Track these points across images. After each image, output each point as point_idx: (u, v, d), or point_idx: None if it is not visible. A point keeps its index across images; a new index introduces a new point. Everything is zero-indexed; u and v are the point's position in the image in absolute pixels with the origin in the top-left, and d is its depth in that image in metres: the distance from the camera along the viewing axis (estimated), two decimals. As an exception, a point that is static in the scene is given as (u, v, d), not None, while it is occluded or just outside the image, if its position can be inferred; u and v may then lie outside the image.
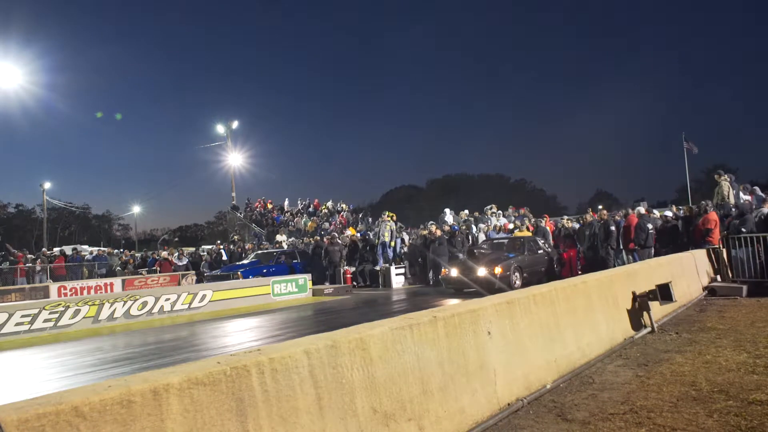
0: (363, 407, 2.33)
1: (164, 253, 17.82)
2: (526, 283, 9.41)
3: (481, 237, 13.89)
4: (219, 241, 22.15)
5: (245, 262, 15.87)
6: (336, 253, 15.18)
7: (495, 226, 14.15)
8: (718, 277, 8.60)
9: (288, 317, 9.45)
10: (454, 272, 10.60)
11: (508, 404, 3.19)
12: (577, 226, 12.58)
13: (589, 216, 12.21)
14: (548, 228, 13.09)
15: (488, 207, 15.86)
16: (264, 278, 12.61)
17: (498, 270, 9.96)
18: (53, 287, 13.60)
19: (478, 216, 15.78)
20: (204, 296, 10.75)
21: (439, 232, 13.40)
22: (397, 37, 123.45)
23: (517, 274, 10.26)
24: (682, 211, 11.48)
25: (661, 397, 3.31)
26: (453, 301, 5.86)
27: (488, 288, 9.41)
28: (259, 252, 17.10)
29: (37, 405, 1.46)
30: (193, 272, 16.20)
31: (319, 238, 17.01)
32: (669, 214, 11.36)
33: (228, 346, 6.84)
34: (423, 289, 12.85)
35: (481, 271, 10.08)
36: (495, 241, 12.26)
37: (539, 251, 11.51)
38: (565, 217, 14.87)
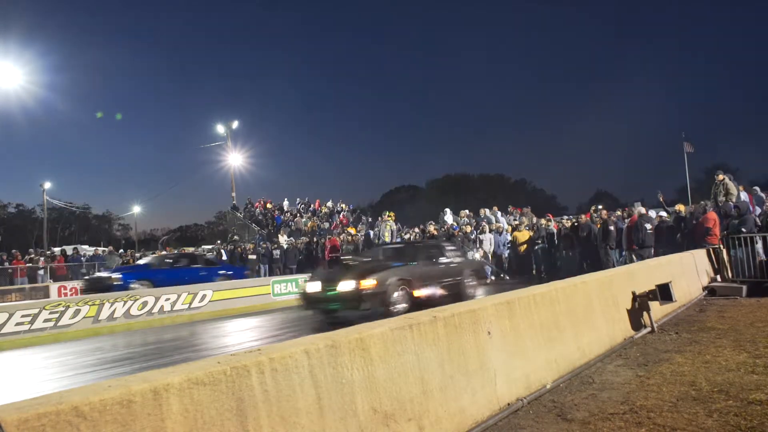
0: (363, 407, 2.33)
1: (164, 253, 17.80)
2: (422, 304, 6.68)
3: (483, 237, 13.80)
4: (219, 241, 22.15)
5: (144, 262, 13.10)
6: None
7: (498, 227, 14.08)
8: (718, 277, 8.60)
9: (288, 317, 9.45)
10: (313, 286, 7.48)
11: (508, 404, 3.19)
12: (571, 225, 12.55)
13: (583, 218, 12.18)
14: (552, 228, 13.05)
15: (483, 210, 15.81)
16: (264, 278, 12.58)
17: (368, 283, 6.91)
18: (53, 287, 13.62)
19: (485, 215, 15.66)
20: (204, 296, 10.75)
21: (436, 232, 13.38)
22: (397, 37, 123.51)
23: (401, 290, 7.25)
24: (676, 209, 11.42)
25: (661, 397, 3.31)
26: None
27: (353, 308, 6.90)
28: (155, 255, 14.78)
29: (37, 405, 1.46)
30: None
31: (332, 236, 17.11)
32: (664, 214, 11.33)
33: (228, 346, 6.85)
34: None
35: (345, 285, 6.98)
36: (388, 247, 10.08)
37: (447, 261, 8.73)
38: (565, 217, 14.86)
